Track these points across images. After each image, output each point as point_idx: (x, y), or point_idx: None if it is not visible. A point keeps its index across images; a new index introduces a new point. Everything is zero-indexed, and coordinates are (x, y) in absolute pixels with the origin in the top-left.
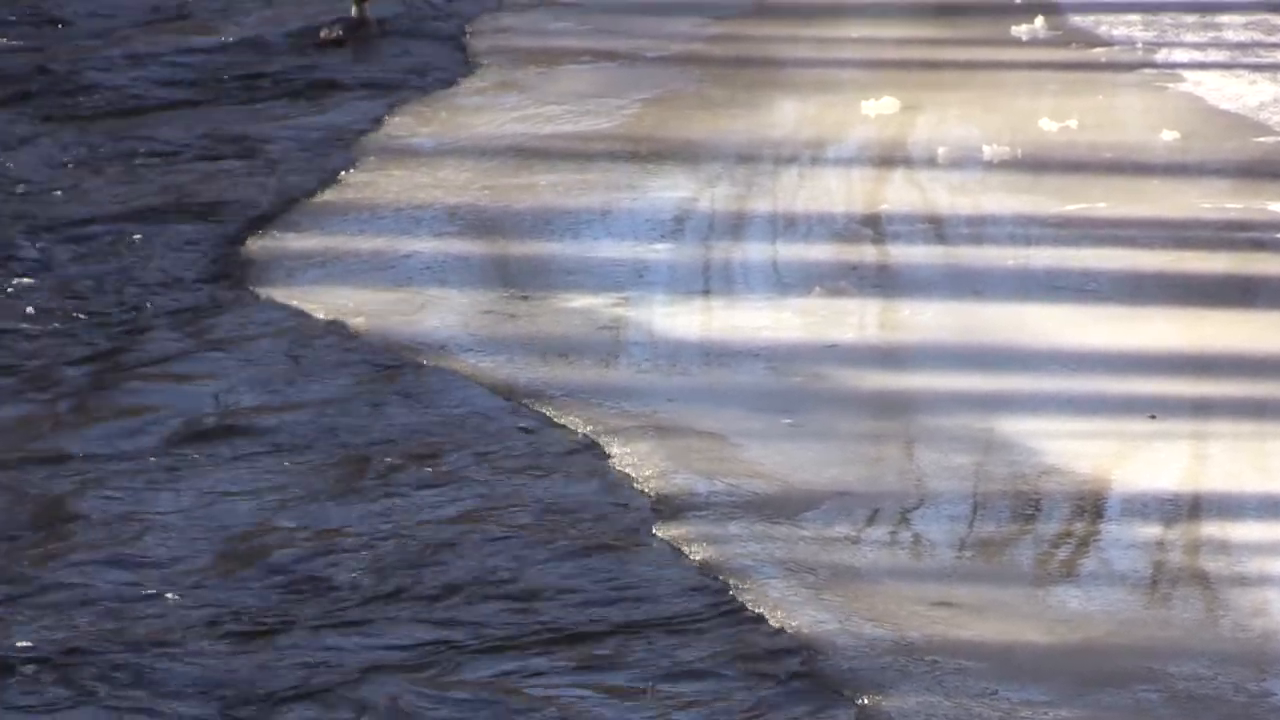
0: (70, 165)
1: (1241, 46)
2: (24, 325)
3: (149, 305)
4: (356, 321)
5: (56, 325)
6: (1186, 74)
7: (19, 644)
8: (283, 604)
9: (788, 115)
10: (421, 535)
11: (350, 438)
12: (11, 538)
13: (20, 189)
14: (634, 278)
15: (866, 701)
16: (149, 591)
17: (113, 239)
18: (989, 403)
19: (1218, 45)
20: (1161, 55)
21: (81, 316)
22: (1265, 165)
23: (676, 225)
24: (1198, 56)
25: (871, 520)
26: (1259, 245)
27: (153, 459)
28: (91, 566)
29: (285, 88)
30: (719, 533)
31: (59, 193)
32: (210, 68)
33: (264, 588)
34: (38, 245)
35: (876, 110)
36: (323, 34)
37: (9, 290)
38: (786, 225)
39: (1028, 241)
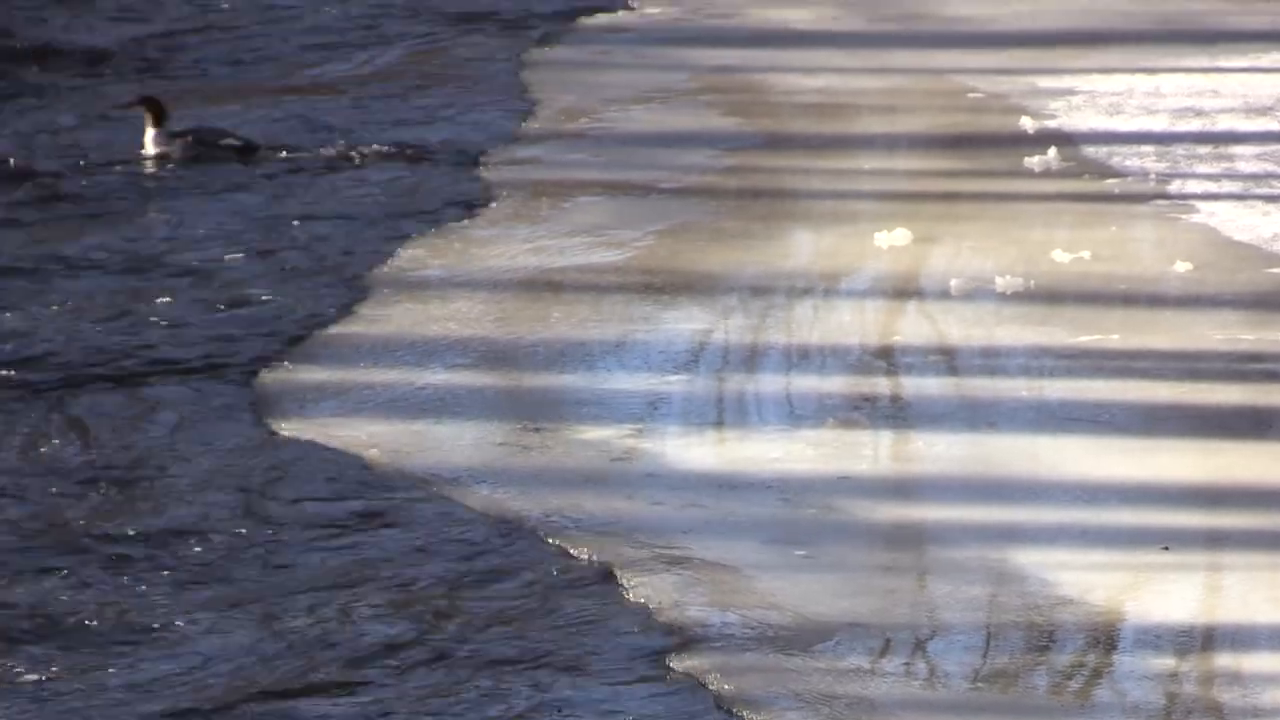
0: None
1: (1254, 178)
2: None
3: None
4: (370, 454)
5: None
6: (1200, 205)
7: None
8: None
9: (801, 247)
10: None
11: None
12: None
13: None
14: (648, 410)
15: None
16: None
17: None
18: (1002, 534)
19: (1231, 176)
20: (1175, 186)
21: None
22: (1278, 296)
23: (690, 357)
24: (1211, 188)
25: (885, 651)
26: (1272, 377)
27: None
28: None
29: None
30: (734, 664)
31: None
32: None
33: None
34: None
35: (889, 242)
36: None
37: None
38: (800, 357)
39: (1041, 373)
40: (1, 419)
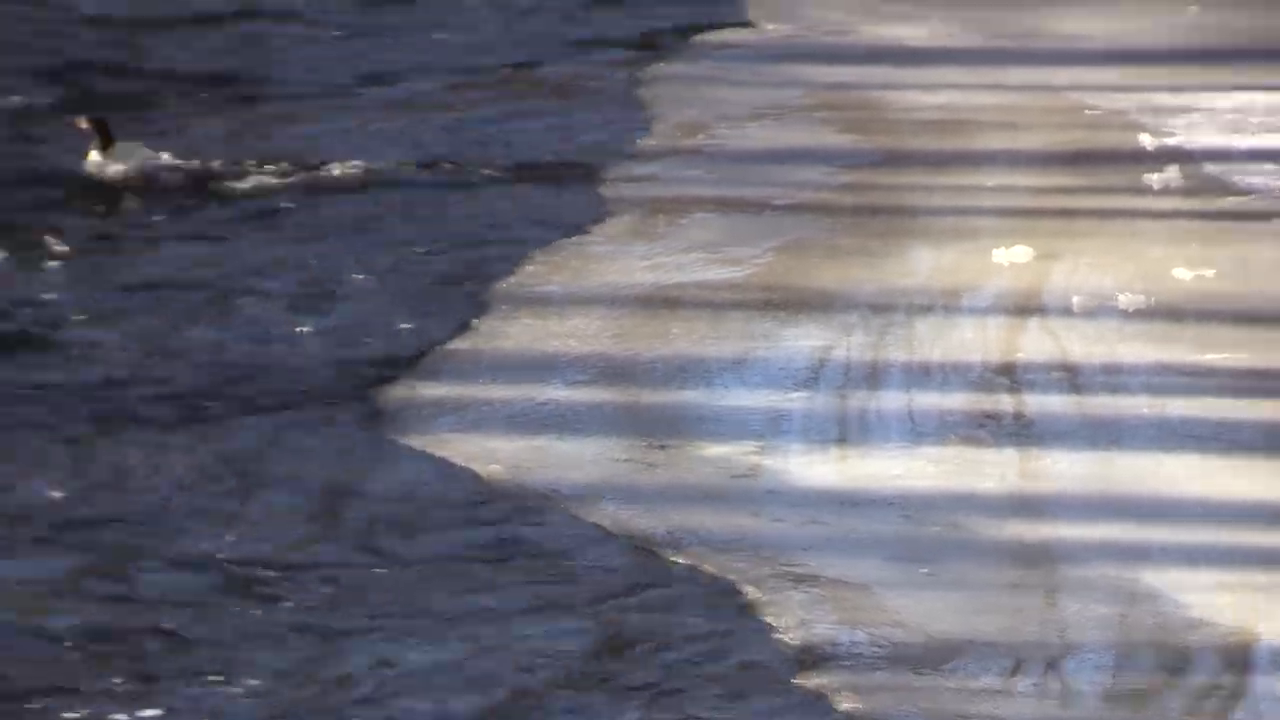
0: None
1: None
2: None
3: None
4: (491, 469)
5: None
6: None
7: None
8: None
9: (920, 264)
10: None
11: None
12: None
13: None
14: (769, 426)
15: None
16: None
17: None
18: (1130, 553)
19: None
20: None
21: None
22: None
23: (811, 374)
24: None
25: (1016, 670)
26: None
27: None
28: None
29: None
30: (863, 682)
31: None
32: None
33: None
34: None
35: (1010, 259)
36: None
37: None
38: (921, 374)
39: (1164, 391)
40: (144, 449)
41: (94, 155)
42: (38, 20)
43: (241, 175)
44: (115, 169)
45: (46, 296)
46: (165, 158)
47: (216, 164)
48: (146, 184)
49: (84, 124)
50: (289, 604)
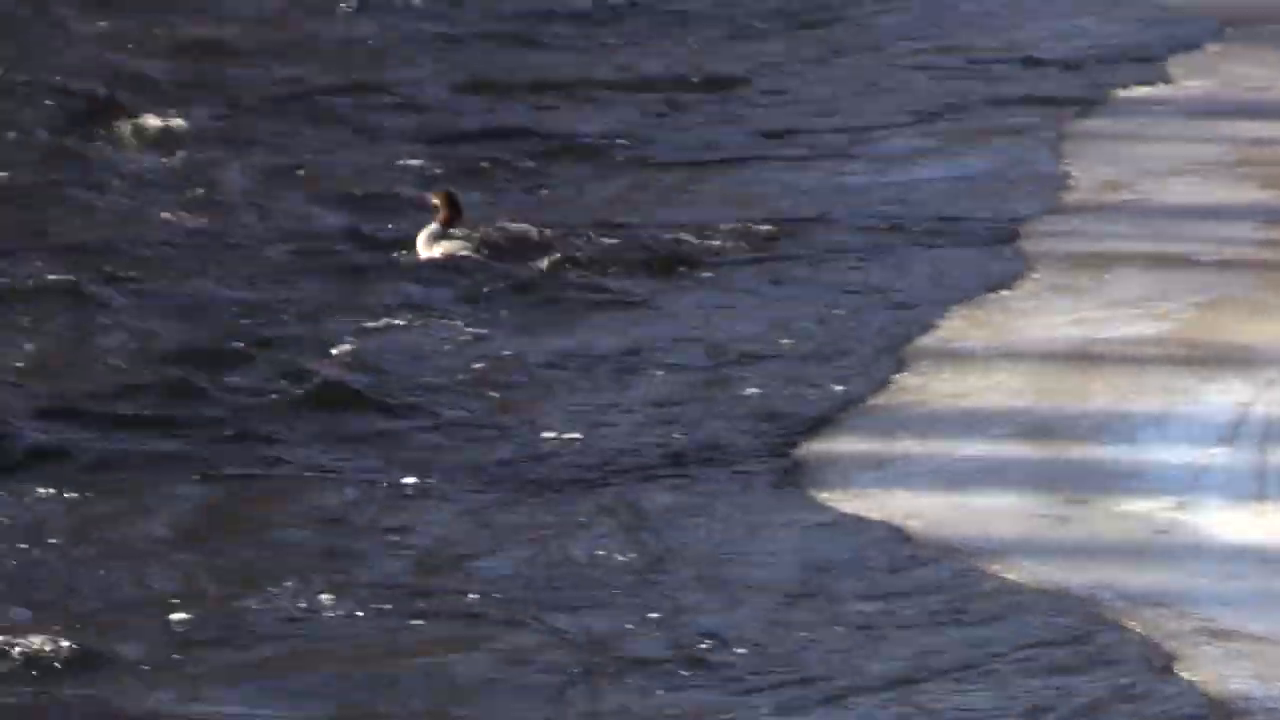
0: None
1: None
2: None
3: None
4: (912, 525)
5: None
6: None
7: None
8: None
9: None
10: None
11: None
12: None
13: None
14: (1190, 482)
15: None
16: None
17: None
18: None
19: None
20: None
21: None
22: None
23: (1232, 430)
24: None
25: None
26: None
27: None
28: None
29: None
30: None
31: None
32: None
33: None
34: None
35: None
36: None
37: None
38: None
39: None
40: (556, 513)
41: (433, 227)
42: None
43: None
44: (451, 244)
45: (505, 353)
46: (519, 226)
47: (604, 230)
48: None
49: (434, 199)
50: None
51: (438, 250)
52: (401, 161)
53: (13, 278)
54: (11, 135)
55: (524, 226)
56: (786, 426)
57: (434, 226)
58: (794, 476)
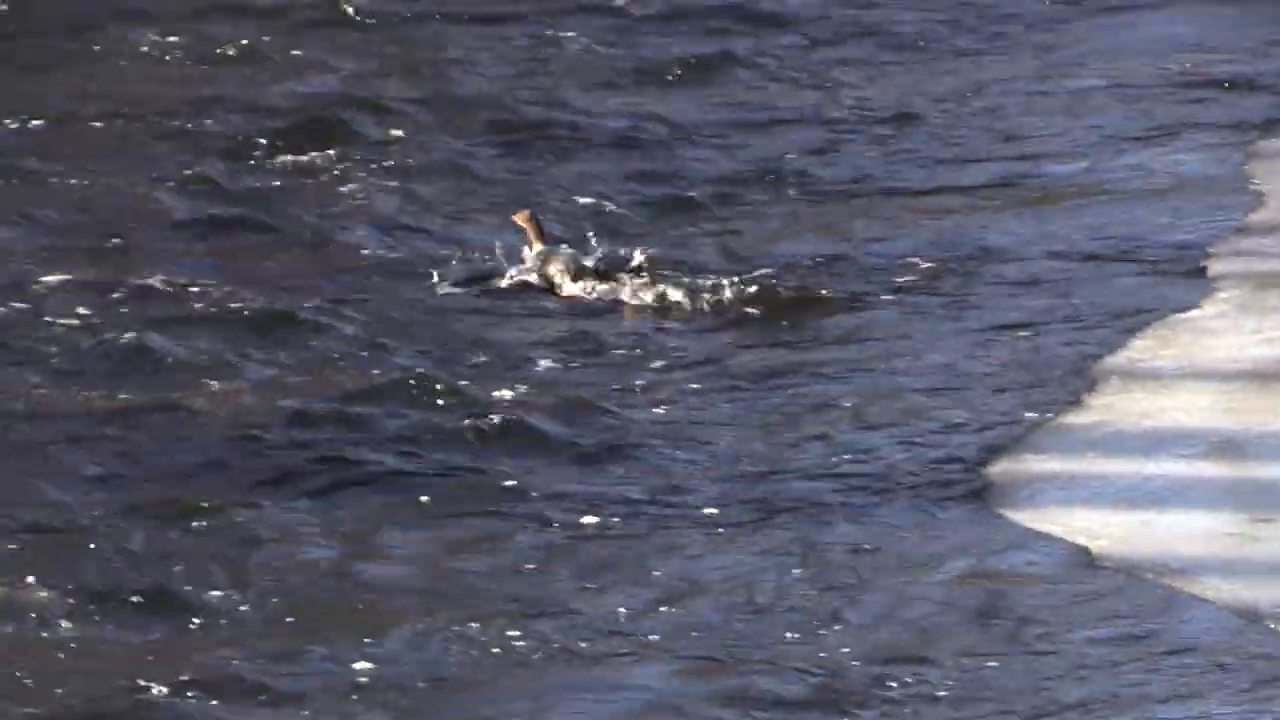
0: None
1: None
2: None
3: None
4: (1097, 544)
5: None
6: None
7: None
8: None
9: None
10: None
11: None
12: None
13: None
14: None
15: None
16: None
17: None
18: None
19: None
20: None
21: None
22: None
23: None
24: None
25: None
26: None
27: None
28: None
29: None
30: None
31: None
32: None
33: None
34: None
35: None
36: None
37: None
38: None
39: None
40: (747, 547)
41: (530, 250)
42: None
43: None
44: (553, 268)
45: (683, 387)
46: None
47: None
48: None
49: (522, 221)
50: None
51: (577, 286)
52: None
53: (221, 305)
54: (208, 164)
55: (689, 263)
56: (975, 447)
57: (538, 248)
58: (983, 496)
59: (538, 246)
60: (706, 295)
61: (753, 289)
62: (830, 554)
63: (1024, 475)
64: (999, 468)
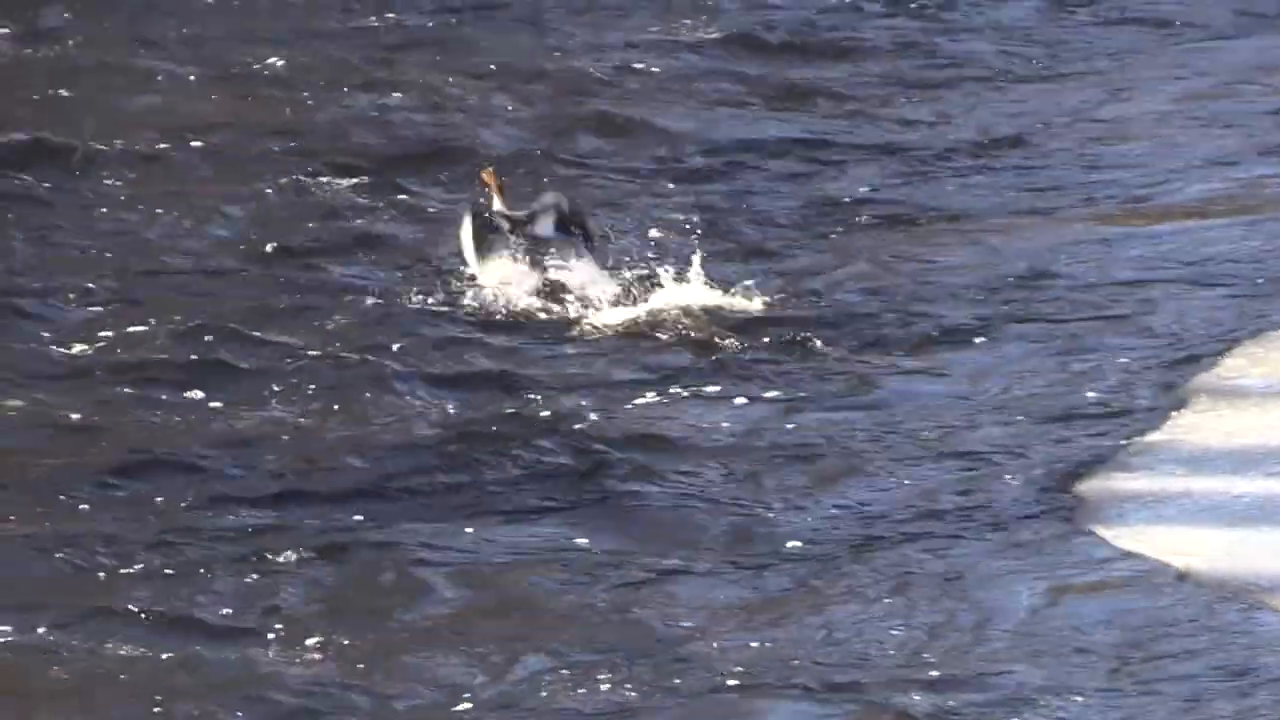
0: None
1: None
2: None
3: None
4: (1187, 563)
5: None
6: None
7: None
8: None
9: None
10: None
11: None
12: None
13: None
14: None
15: None
16: None
17: None
18: None
19: None
20: None
21: None
22: None
23: None
24: None
25: None
26: None
27: None
28: None
29: None
30: None
31: None
32: None
33: None
34: None
35: None
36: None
37: None
38: None
39: None
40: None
41: (496, 203)
42: None
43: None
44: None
45: (763, 423)
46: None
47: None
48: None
49: (488, 178)
50: None
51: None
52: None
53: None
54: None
55: (776, 293)
56: (1064, 466)
57: (497, 204)
58: (1072, 515)
59: (497, 203)
60: (790, 330)
61: (833, 316)
62: (922, 577)
63: (1113, 494)
64: (1088, 486)
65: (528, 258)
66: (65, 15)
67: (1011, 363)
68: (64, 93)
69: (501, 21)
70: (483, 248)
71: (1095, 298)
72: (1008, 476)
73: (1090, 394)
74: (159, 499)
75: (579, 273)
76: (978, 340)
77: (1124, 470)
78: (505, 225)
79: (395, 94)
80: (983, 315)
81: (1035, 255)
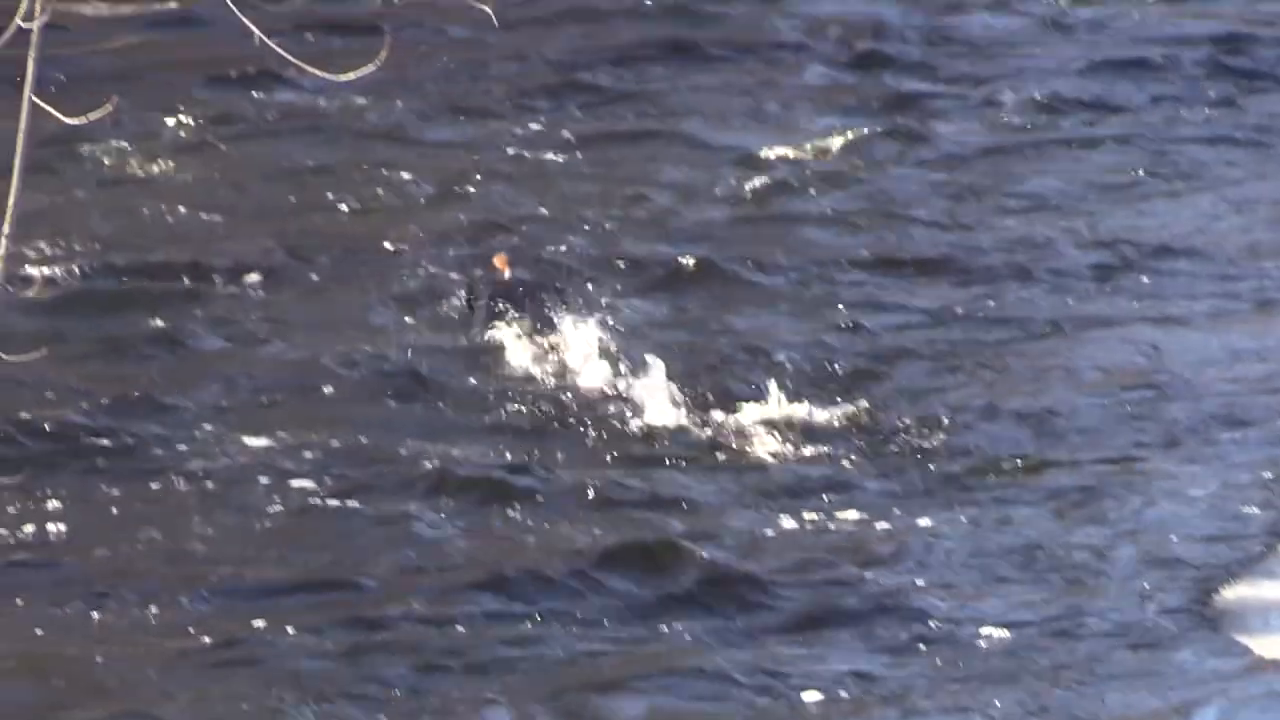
0: None
1: None
2: None
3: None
4: None
5: None
6: None
7: None
8: None
9: None
10: None
11: None
12: None
13: None
14: None
15: None
16: None
17: None
18: None
19: None
20: None
21: None
22: None
23: None
24: None
25: None
26: None
27: None
28: None
29: None
30: None
31: None
32: None
33: None
34: None
35: None
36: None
37: None
38: None
39: None
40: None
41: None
42: None
43: None
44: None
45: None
46: None
47: None
48: None
49: (500, 264)
50: None
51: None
52: None
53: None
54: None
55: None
56: (1207, 570)
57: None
58: (1216, 621)
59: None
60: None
61: (971, 442)
62: (1064, 682)
63: (1258, 600)
64: (1232, 593)
65: None
66: None
67: (1158, 466)
68: None
69: None
70: None
71: (1236, 393)
72: (1151, 581)
73: (1233, 498)
74: None
75: None
76: (1125, 444)
77: (1269, 577)
78: None
79: None
80: (1132, 423)
81: (1173, 358)
